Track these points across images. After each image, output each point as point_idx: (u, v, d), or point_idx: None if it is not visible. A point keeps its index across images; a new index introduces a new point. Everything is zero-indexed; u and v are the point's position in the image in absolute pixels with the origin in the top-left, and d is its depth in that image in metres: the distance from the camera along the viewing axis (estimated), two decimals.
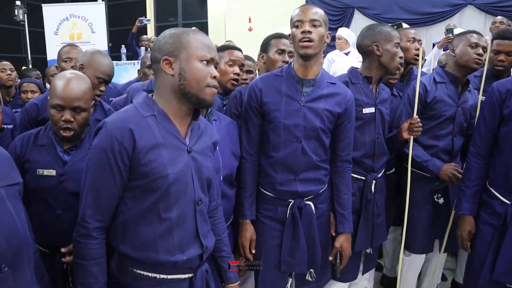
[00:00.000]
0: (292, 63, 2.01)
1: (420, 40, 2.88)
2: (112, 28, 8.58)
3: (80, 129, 1.84)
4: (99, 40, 5.99)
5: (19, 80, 3.92)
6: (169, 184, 1.33)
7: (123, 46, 6.16)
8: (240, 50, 2.49)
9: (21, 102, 3.61)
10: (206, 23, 9.72)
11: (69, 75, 1.81)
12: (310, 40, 1.83)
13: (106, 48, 6.02)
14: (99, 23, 5.96)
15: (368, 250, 2.34)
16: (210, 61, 1.39)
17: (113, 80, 4.91)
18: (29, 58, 6.13)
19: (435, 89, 2.47)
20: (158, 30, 9.70)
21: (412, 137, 2.35)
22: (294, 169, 1.96)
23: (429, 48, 6.67)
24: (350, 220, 2.08)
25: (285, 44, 2.32)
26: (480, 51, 2.40)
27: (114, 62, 5.79)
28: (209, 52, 1.38)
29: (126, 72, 5.85)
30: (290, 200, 2.00)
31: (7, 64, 3.84)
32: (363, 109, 2.21)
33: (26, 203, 1.80)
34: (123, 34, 7.15)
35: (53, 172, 1.81)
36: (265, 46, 2.42)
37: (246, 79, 2.56)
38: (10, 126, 3.06)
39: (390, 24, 3.67)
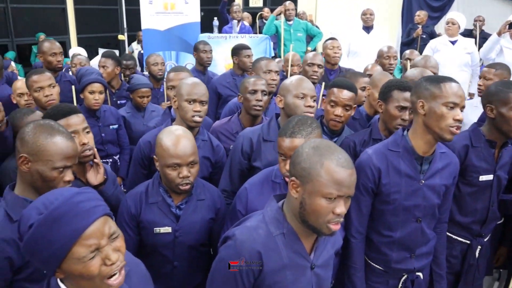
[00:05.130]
0: (405, 134, 1.83)
1: None
2: None
3: (195, 180, 1.89)
4: (192, 11, 5.93)
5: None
6: None
7: (215, 18, 6.08)
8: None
9: (126, 94, 3.71)
10: None
11: (177, 132, 1.87)
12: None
13: (199, 20, 5.96)
14: None
15: None
16: (336, 197, 1.28)
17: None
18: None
19: None
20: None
21: None
22: (411, 248, 1.89)
23: None
24: (445, 278, 2.07)
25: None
26: None
27: (206, 34, 5.80)
28: (338, 189, 1.27)
29: (218, 46, 5.79)
30: (404, 274, 1.94)
31: (159, 58, 4.10)
32: (480, 176, 2.07)
33: (143, 255, 1.89)
34: (215, 4, 7.08)
35: (169, 229, 1.89)
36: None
37: None
38: (115, 126, 3.19)
39: None
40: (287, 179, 1.72)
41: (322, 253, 1.43)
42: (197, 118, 2.22)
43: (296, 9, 8.52)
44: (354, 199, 1.83)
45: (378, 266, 1.97)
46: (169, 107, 2.88)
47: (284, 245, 1.35)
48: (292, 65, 3.85)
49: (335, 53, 4.02)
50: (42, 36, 8.12)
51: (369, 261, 1.99)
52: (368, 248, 1.97)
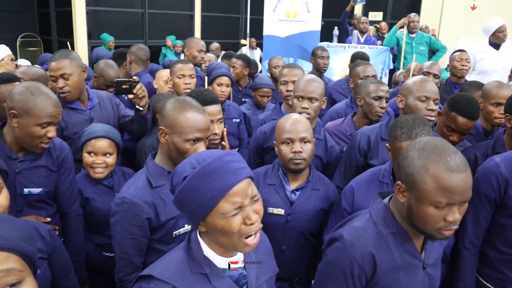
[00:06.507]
0: None
1: None
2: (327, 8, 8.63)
3: (309, 160, 1.95)
4: (313, 20, 6.05)
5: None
6: None
7: (336, 28, 6.14)
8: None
9: (251, 92, 3.93)
10: None
11: (293, 116, 2.00)
12: None
13: (319, 28, 6.06)
14: (315, 3, 6.00)
15: None
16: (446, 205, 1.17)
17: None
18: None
19: None
20: (365, 10, 9.38)
21: None
22: None
23: None
24: None
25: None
26: None
27: (325, 43, 5.87)
28: (447, 197, 1.15)
29: (336, 55, 5.84)
30: None
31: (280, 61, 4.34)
32: None
33: None
34: (336, 16, 7.15)
35: (282, 211, 1.97)
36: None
37: None
38: (237, 120, 3.38)
39: None
40: None
41: (432, 251, 1.36)
42: (304, 115, 2.23)
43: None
44: (472, 208, 1.74)
45: (490, 286, 1.82)
46: (280, 103, 2.99)
47: (396, 245, 1.29)
48: (413, 75, 3.76)
49: (463, 65, 3.80)
50: (168, 40, 8.86)
51: (481, 279, 1.85)
52: (481, 264, 1.83)
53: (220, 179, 1.09)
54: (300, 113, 2.24)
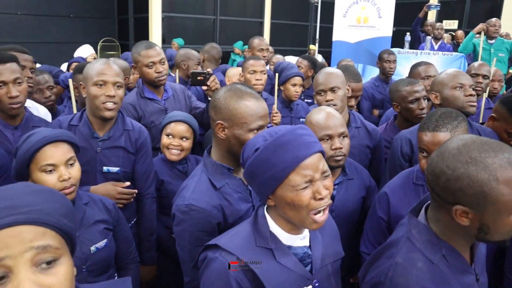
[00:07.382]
0: None
1: None
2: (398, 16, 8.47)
3: (347, 154, 1.90)
4: (385, 26, 5.93)
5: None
6: None
7: (408, 33, 5.98)
8: None
9: (312, 93, 3.93)
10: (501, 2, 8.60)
11: (325, 109, 1.90)
12: None
13: (390, 34, 5.93)
14: (387, 9, 5.89)
15: None
16: None
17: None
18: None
19: None
20: (439, 17, 9.10)
21: None
22: None
23: None
24: None
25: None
26: None
27: (396, 49, 5.74)
28: None
29: (407, 61, 5.68)
30: None
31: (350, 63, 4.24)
32: None
33: None
34: (409, 23, 6.99)
35: None
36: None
37: None
38: (303, 120, 3.39)
39: None
40: None
41: (479, 257, 1.24)
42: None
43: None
44: None
45: None
46: None
47: (450, 269, 1.13)
48: (492, 80, 3.57)
49: None
50: (236, 48, 9.04)
51: None
52: None
53: (292, 151, 1.10)
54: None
